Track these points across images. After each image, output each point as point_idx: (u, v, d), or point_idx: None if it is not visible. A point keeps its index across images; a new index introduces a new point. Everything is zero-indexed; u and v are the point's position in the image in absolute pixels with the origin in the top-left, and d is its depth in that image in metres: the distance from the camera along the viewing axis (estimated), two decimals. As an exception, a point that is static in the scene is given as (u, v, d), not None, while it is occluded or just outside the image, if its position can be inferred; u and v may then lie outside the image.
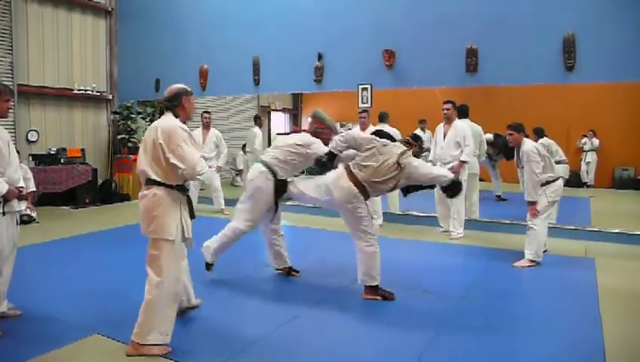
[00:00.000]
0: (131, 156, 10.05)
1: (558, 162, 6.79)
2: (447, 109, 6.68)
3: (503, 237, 6.61)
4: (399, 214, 7.80)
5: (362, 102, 7.97)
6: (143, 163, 3.25)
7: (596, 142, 12.38)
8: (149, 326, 3.14)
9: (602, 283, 4.73)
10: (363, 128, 7.23)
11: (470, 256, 5.84)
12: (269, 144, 15.37)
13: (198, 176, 3.19)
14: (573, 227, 6.61)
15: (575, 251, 5.91)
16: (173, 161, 3.13)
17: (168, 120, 3.27)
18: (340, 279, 4.79)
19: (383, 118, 8.14)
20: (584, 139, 12.15)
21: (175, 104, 3.32)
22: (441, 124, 6.88)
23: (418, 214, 7.68)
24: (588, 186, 12.25)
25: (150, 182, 3.24)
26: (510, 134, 5.41)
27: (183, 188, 3.32)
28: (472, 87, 7.49)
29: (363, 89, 7.96)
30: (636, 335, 3.62)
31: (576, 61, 6.45)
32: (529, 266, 5.27)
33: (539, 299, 4.38)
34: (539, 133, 7.61)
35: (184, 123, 3.30)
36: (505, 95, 10.44)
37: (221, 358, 3.12)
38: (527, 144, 5.37)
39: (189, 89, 3.42)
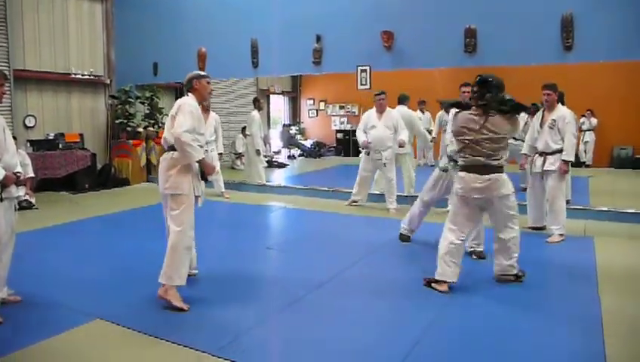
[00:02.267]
0: (130, 141, 10.04)
1: None
2: (468, 92, 6.47)
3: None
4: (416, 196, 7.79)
5: (361, 84, 7.94)
6: (165, 132, 3.86)
7: (594, 121, 12.35)
8: (173, 268, 3.66)
9: (601, 262, 4.78)
10: (380, 111, 7.20)
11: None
12: (269, 127, 15.39)
13: (179, 139, 3.60)
14: (572, 206, 6.61)
15: (574, 230, 5.92)
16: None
17: (184, 98, 3.89)
18: (334, 261, 4.81)
19: (402, 100, 8.06)
20: (582, 119, 12.10)
21: (188, 87, 3.92)
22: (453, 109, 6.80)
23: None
24: (586, 166, 12.26)
25: (169, 148, 3.81)
26: (548, 94, 5.64)
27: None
28: (471, 68, 7.43)
29: (362, 70, 7.92)
30: (634, 311, 3.65)
31: (575, 41, 6.41)
32: (560, 241, 5.47)
33: (538, 278, 4.39)
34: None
35: (200, 103, 3.90)
36: (504, 75, 10.35)
37: (217, 345, 3.15)
38: (564, 108, 5.64)
39: (202, 73, 4.02)
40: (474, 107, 4.03)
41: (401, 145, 7.18)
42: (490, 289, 4.12)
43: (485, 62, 7.08)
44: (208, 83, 3.97)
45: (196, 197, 3.84)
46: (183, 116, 3.69)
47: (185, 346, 3.07)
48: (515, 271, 4.18)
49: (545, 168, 5.64)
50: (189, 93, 3.90)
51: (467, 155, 4.02)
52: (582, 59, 6.58)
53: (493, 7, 6.91)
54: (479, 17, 6.99)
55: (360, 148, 7.31)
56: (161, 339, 3.17)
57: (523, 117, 7.66)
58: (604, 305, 3.70)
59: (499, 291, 4.07)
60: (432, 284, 4.07)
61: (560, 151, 5.56)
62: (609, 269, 4.59)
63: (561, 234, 5.56)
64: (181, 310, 3.59)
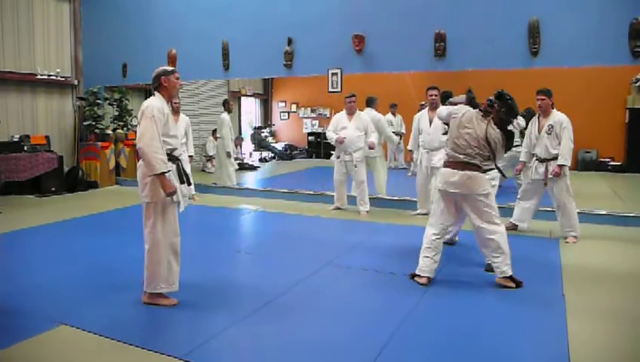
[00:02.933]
0: (99, 143, 9.87)
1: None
2: (435, 95, 6.60)
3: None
4: (388, 199, 7.88)
5: (332, 87, 7.98)
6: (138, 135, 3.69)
7: (561, 125, 12.62)
8: (153, 277, 3.65)
9: (566, 262, 4.89)
10: (351, 113, 7.23)
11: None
12: (240, 130, 15.31)
13: (141, 150, 3.49)
14: (539, 208, 6.74)
15: (540, 231, 6.08)
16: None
17: (149, 99, 3.70)
18: (306, 263, 4.81)
19: (370, 102, 8.12)
20: (550, 123, 12.34)
21: (156, 85, 3.74)
22: (422, 111, 6.89)
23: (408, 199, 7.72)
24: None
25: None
26: (542, 99, 5.76)
27: (169, 158, 3.66)
28: (442, 72, 7.54)
29: (333, 74, 7.95)
30: (597, 310, 3.74)
31: (541, 46, 6.56)
32: (575, 242, 5.66)
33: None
34: None
35: (169, 101, 3.79)
36: (474, 79, 10.53)
37: (186, 349, 3.12)
38: (560, 113, 5.77)
39: (169, 69, 3.81)
40: (481, 111, 4.17)
41: (371, 148, 7.22)
42: (460, 286, 4.18)
43: (454, 66, 7.20)
44: (177, 79, 3.79)
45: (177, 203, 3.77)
46: (144, 122, 3.54)
47: (154, 351, 3.02)
48: (508, 273, 4.19)
49: (550, 176, 5.74)
50: (156, 93, 3.75)
51: (449, 150, 4.19)
52: (547, 64, 6.72)
53: (462, 13, 7.02)
54: (448, 22, 7.09)
55: (334, 144, 7.27)
56: (129, 345, 3.11)
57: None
58: (568, 304, 3.79)
59: (469, 288, 4.13)
60: (415, 278, 4.26)
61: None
62: (574, 269, 4.70)
63: (575, 236, 5.73)
64: (174, 305, 3.68)
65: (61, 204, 8.11)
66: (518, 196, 6.19)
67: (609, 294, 4.10)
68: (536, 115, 5.97)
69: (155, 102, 3.63)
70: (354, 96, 7.25)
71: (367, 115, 7.53)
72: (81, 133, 10.19)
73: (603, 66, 7.35)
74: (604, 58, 6.41)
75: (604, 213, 6.78)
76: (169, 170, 3.60)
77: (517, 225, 6.13)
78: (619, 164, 12.50)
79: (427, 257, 4.22)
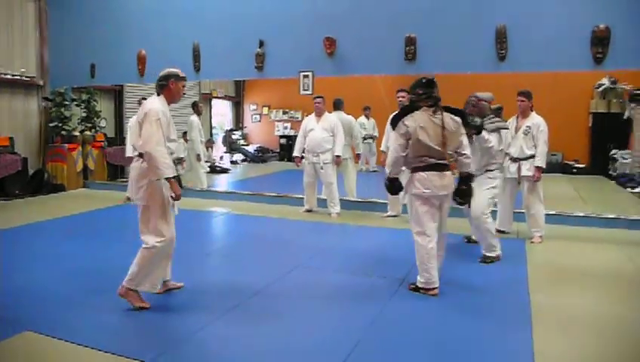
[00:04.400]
0: (65, 145, 9.67)
1: None
2: (404, 97, 6.48)
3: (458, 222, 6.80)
4: (359, 201, 7.92)
5: (304, 90, 8.00)
6: (132, 137, 3.83)
7: (528, 129, 12.91)
8: (142, 275, 3.62)
9: (531, 263, 5.01)
10: (319, 114, 7.26)
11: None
12: (211, 133, 15.20)
13: (149, 155, 3.46)
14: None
15: (508, 232, 6.20)
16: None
17: (151, 100, 3.67)
18: (277, 266, 4.80)
19: (338, 105, 8.13)
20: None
21: (162, 84, 3.71)
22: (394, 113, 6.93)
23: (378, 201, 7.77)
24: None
25: (139, 155, 3.64)
26: (522, 100, 5.86)
27: None
28: (413, 75, 7.60)
29: (304, 76, 7.97)
30: (562, 307, 3.84)
31: (508, 52, 6.71)
32: (540, 242, 5.82)
33: (473, 278, 4.56)
34: None
35: (169, 105, 3.73)
36: (444, 83, 10.68)
37: (154, 353, 3.08)
38: (538, 116, 5.86)
39: (181, 74, 3.80)
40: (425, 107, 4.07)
41: (337, 164, 7.28)
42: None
43: (424, 69, 7.26)
44: (184, 87, 3.80)
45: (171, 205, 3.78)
46: (150, 126, 3.50)
47: (119, 355, 2.98)
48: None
49: (522, 174, 5.86)
50: (160, 94, 3.71)
51: (424, 155, 4.03)
52: (514, 69, 6.87)
53: (432, 18, 7.13)
54: (419, 27, 7.19)
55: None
56: (94, 349, 3.06)
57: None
58: (534, 303, 3.87)
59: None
60: (427, 291, 4.09)
61: (533, 156, 5.81)
62: (539, 268, 4.82)
63: (540, 236, 5.87)
64: (142, 309, 3.63)
65: (26, 208, 7.92)
66: (497, 199, 6.24)
67: (573, 293, 4.20)
68: (515, 116, 6.06)
69: (159, 105, 3.62)
70: (321, 97, 7.30)
71: (337, 117, 7.56)
72: (47, 134, 9.97)
73: (568, 71, 7.55)
74: (567, 64, 6.62)
75: (569, 214, 6.96)
76: (178, 175, 3.66)
77: (503, 231, 6.16)
78: (583, 166, 12.84)
79: (433, 267, 4.06)
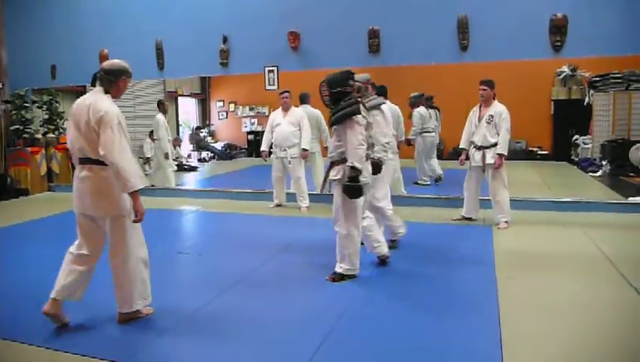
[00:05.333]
0: (28, 148, 9.44)
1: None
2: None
3: (426, 211, 6.93)
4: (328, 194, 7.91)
5: (269, 85, 7.98)
6: (80, 141, 3.25)
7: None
8: (131, 295, 3.38)
9: (498, 248, 5.13)
10: (285, 109, 7.27)
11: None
12: (178, 131, 15.04)
13: (119, 166, 3.10)
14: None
15: (474, 219, 6.33)
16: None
17: (100, 99, 3.23)
18: (249, 260, 4.81)
19: (304, 98, 8.10)
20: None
21: (112, 80, 3.30)
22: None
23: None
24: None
25: (91, 162, 3.25)
26: (484, 89, 5.93)
27: None
28: (378, 68, 7.68)
29: (269, 71, 7.96)
30: (529, 291, 3.95)
31: (469, 41, 6.83)
32: (506, 228, 5.96)
33: (441, 265, 4.65)
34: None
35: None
36: (410, 75, 10.82)
37: (133, 349, 3.07)
38: (500, 105, 5.94)
39: (131, 71, 3.41)
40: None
41: (304, 158, 7.31)
42: (397, 277, 4.31)
43: (388, 62, 7.37)
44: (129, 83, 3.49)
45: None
46: (111, 132, 3.11)
47: (82, 355, 2.97)
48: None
49: (486, 162, 5.97)
50: (105, 91, 3.28)
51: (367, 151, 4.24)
52: (476, 58, 7.00)
53: (394, 10, 7.19)
54: (382, 19, 7.24)
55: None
56: (64, 352, 3.04)
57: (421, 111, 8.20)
58: (501, 288, 3.97)
59: (406, 280, 4.26)
60: (346, 278, 4.23)
61: (497, 144, 5.91)
62: (505, 254, 4.94)
63: (506, 222, 6.00)
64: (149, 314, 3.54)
65: (-11, 213, 7.72)
66: (464, 187, 6.38)
67: (539, 276, 4.32)
68: (478, 105, 6.16)
69: (113, 106, 3.23)
70: (287, 92, 7.30)
71: (304, 111, 7.57)
72: (9, 138, 9.71)
73: (529, 60, 7.72)
74: (527, 52, 6.77)
75: (534, 199, 7.14)
76: (144, 186, 3.40)
77: (470, 218, 6.33)
78: (546, 153, 13.17)
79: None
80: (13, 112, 9.60)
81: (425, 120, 9.27)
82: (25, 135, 9.57)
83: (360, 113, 4.06)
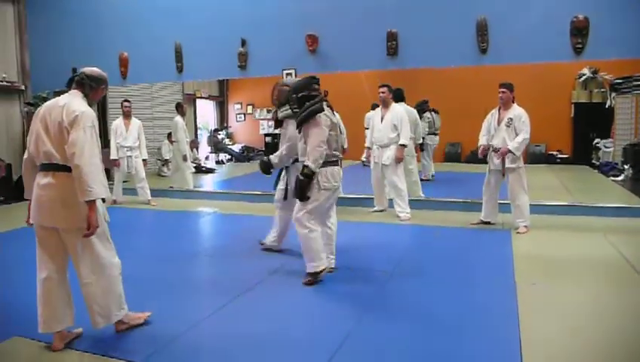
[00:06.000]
0: (48, 149, 9.56)
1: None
2: (383, 92, 6.80)
3: (445, 215, 6.94)
4: (342, 197, 7.91)
5: (287, 88, 7.98)
6: (47, 145, 3.00)
7: (511, 120, 13.07)
8: (107, 309, 3.16)
9: (517, 253, 5.06)
10: None
11: (404, 233, 6.17)
12: (196, 133, 15.12)
13: (83, 170, 2.87)
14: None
15: (493, 223, 6.26)
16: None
17: (77, 102, 3.07)
18: (267, 262, 4.81)
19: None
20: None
21: (93, 86, 3.20)
22: (378, 108, 6.99)
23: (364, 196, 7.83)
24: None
25: (57, 168, 3.00)
26: (503, 92, 5.87)
27: None
28: (395, 71, 7.66)
29: (287, 74, 7.97)
30: (549, 297, 3.89)
31: (489, 44, 6.77)
32: (526, 232, 5.86)
33: (459, 268, 4.62)
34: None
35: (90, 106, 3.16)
36: (426, 78, 10.76)
37: (151, 349, 3.09)
38: (519, 108, 5.89)
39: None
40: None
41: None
42: (415, 279, 4.28)
43: (406, 64, 7.33)
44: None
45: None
46: (83, 133, 2.92)
47: (109, 357, 2.99)
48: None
49: (506, 165, 5.91)
50: (84, 96, 3.15)
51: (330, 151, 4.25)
52: (496, 61, 6.92)
53: (413, 12, 7.16)
54: (400, 21, 7.22)
55: None
56: (84, 352, 3.08)
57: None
58: (520, 293, 3.92)
59: (424, 282, 4.22)
60: (319, 276, 4.27)
61: None
62: (525, 259, 4.87)
63: (526, 226, 5.92)
64: (144, 322, 3.42)
65: (12, 213, 7.84)
66: (482, 191, 6.31)
67: (559, 282, 4.26)
68: (497, 108, 6.09)
69: (89, 108, 3.08)
70: None
71: None
72: (30, 139, 9.84)
73: (549, 62, 7.63)
74: (547, 55, 6.68)
75: (553, 203, 7.05)
76: (105, 196, 3.05)
77: (489, 221, 6.28)
78: (566, 156, 12.98)
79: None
80: (35, 114, 9.72)
81: (432, 123, 9.73)
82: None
83: (323, 110, 4.13)
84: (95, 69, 3.31)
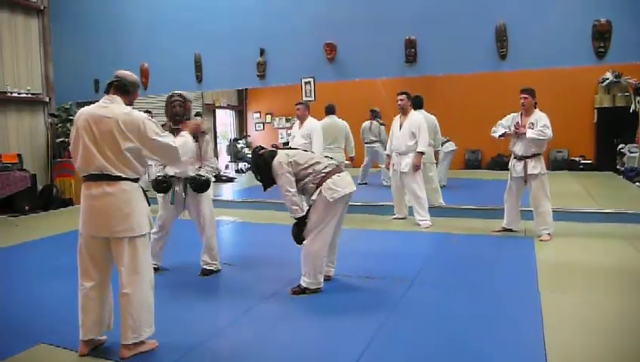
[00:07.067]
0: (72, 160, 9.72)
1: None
2: (402, 100, 6.80)
3: (466, 222, 6.90)
4: (361, 205, 7.91)
5: (306, 96, 8.04)
6: (98, 156, 3.03)
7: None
8: (140, 323, 3.10)
9: (541, 261, 4.98)
10: (301, 120, 7.35)
11: (425, 241, 6.10)
12: (215, 142, 15.23)
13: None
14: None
15: (515, 231, 6.19)
16: (151, 155, 3.17)
17: (125, 110, 3.12)
18: (287, 271, 4.81)
19: (329, 110, 8.25)
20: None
21: (132, 90, 3.28)
22: (397, 116, 6.99)
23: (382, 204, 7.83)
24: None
25: (111, 178, 3.04)
26: (525, 98, 5.83)
27: (138, 180, 3.22)
28: (413, 78, 7.65)
29: (306, 83, 8.01)
30: (573, 306, 3.83)
31: (508, 49, 6.71)
32: (549, 240, 5.78)
33: (482, 277, 4.56)
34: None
35: None
36: (444, 85, 10.71)
37: (171, 359, 3.10)
38: (541, 113, 5.83)
39: None
40: None
41: None
42: (439, 288, 4.24)
43: (425, 71, 7.31)
44: None
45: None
46: (162, 138, 3.14)
47: None
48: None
49: (528, 172, 5.84)
50: (125, 97, 3.23)
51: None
52: (516, 67, 6.86)
53: (431, 19, 7.14)
54: (418, 29, 7.20)
55: None
56: (107, 360, 3.10)
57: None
58: (544, 302, 3.85)
59: (448, 291, 4.18)
60: (307, 292, 4.22)
61: (539, 154, 5.84)
62: (548, 267, 4.80)
63: (549, 234, 5.84)
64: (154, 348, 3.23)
65: (37, 223, 7.98)
66: (504, 198, 6.25)
67: (584, 290, 4.20)
68: (519, 113, 6.02)
69: (140, 113, 3.17)
70: (301, 103, 7.41)
71: (330, 122, 7.99)
72: (55, 150, 10.05)
73: (571, 67, 7.55)
74: (569, 59, 6.59)
75: (577, 210, 6.94)
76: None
77: (511, 229, 6.20)
78: (589, 162, 12.77)
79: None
80: (59, 125, 9.91)
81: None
82: (70, 147, 9.85)
83: (276, 154, 4.33)
84: (129, 72, 3.34)
